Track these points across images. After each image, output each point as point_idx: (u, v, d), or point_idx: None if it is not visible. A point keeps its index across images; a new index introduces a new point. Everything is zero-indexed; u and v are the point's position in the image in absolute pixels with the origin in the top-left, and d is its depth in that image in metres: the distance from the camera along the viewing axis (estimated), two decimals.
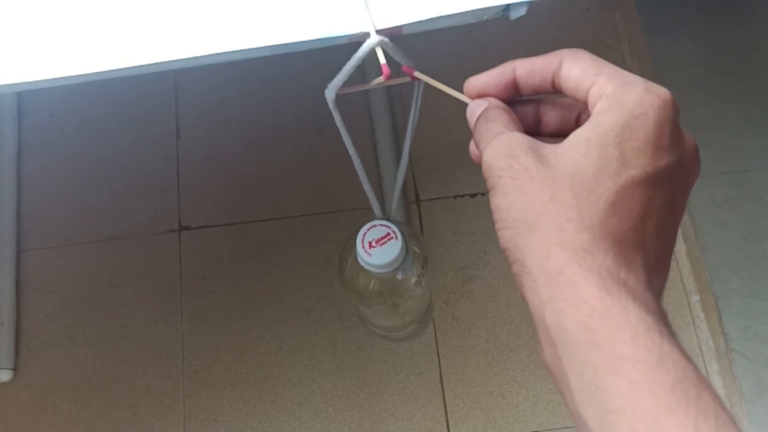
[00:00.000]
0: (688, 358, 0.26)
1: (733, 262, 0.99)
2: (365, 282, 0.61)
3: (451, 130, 1.10)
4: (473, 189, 1.07)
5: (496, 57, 1.25)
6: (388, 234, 0.54)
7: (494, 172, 0.31)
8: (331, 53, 0.43)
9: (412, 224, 1.05)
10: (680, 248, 1.03)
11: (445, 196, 1.07)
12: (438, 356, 0.98)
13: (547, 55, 0.33)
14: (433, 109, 1.13)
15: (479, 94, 0.35)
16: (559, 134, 0.33)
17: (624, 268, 0.28)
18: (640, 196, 0.29)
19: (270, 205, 1.07)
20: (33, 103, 1.12)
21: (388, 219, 0.58)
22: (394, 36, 0.37)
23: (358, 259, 0.56)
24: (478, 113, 0.34)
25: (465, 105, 0.36)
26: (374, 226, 0.55)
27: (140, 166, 1.10)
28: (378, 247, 0.54)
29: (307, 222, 1.06)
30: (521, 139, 0.31)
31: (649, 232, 0.29)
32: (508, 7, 0.38)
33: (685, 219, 1.03)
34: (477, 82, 0.35)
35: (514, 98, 0.35)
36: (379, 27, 0.36)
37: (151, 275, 1.04)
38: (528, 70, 0.33)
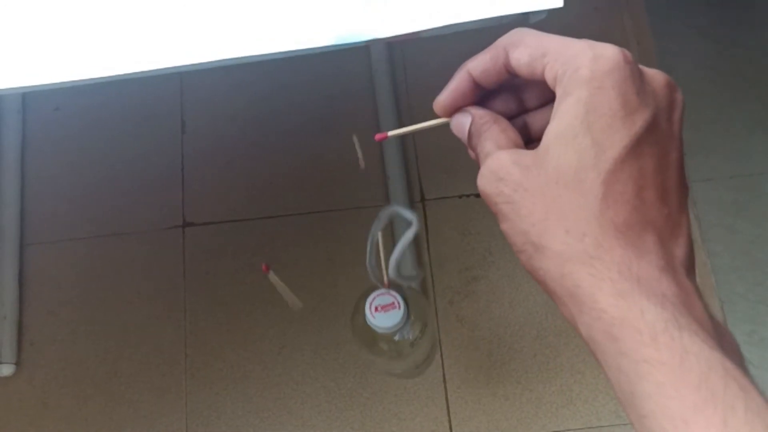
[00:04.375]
0: (713, 346, 0.26)
1: (740, 267, 0.99)
2: (371, 335, 0.68)
3: None
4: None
5: None
6: (393, 303, 0.62)
7: (490, 201, 0.31)
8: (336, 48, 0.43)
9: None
10: None
11: (450, 196, 1.06)
12: (441, 357, 0.98)
13: (491, 49, 0.32)
14: None
15: (453, 109, 0.34)
16: (546, 102, 0.33)
17: (635, 258, 0.27)
18: (628, 174, 0.28)
19: (274, 202, 1.07)
20: (37, 97, 1.12)
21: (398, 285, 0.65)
22: (412, 39, 0.37)
23: (366, 319, 0.64)
24: (466, 129, 0.34)
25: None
26: (383, 293, 0.62)
27: (145, 161, 1.09)
28: (383, 313, 0.62)
29: (311, 219, 1.06)
30: (504, 158, 0.30)
31: (651, 203, 0.28)
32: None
33: (692, 222, 1.02)
34: (444, 99, 0.34)
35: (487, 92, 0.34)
36: (400, 32, 0.36)
37: (155, 271, 1.04)
38: (481, 70, 0.33)
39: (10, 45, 0.40)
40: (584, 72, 0.28)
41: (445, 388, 0.97)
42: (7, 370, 0.98)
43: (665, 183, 0.29)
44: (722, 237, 1.00)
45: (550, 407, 0.96)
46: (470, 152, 0.34)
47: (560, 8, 0.42)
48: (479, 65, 0.33)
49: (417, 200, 1.06)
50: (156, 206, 1.07)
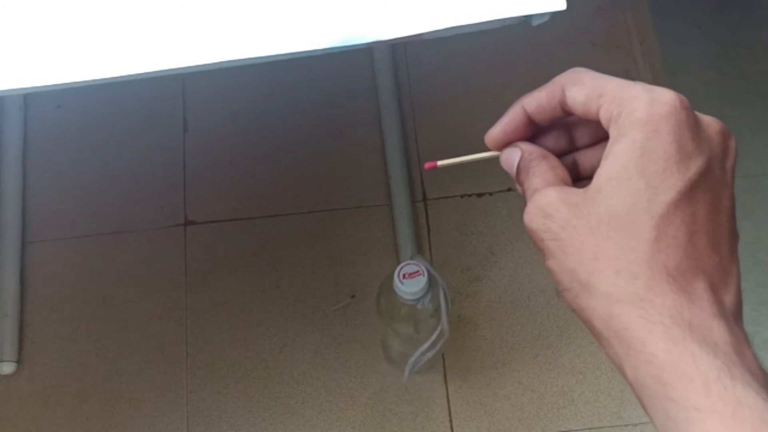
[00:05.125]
0: (766, 398, 0.26)
1: (743, 268, 0.98)
2: (397, 309, 0.77)
3: (459, 130, 1.10)
4: (481, 188, 1.06)
5: (505, 54, 1.23)
6: (418, 271, 0.71)
7: (536, 236, 0.31)
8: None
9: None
10: None
11: (452, 195, 1.06)
12: (443, 356, 0.98)
13: (548, 86, 0.32)
14: (441, 108, 1.12)
15: (504, 143, 0.35)
16: (598, 141, 0.33)
17: (686, 304, 0.27)
18: (681, 219, 0.28)
19: (276, 201, 1.06)
20: (39, 94, 1.12)
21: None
22: (414, 40, 0.37)
23: (394, 286, 0.72)
24: (515, 164, 0.34)
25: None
26: (409, 263, 0.72)
27: (146, 160, 1.09)
28: (410, 279, 0.71)
29: (313, 219, 1.06)
30: (552, 195, 0.31)
31: (703, 249, 0.28)
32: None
33: None
34: (496, 133, 0.35)
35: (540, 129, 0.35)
36: (402, 34, 0.35)
37: (156, 270, 1.04)
38: (536, 106, 0.33)
39: (12, 46, 0.40)
40: (640, 115, 0.28)
41: (446, 388, 0.97)
42: (8, 368, 0.98)
43: (717, 230, 0.29)
44: None
45: (552, 408, 0.96)
46: (517, 187, 0.34)
47: (563, 8, 0.42)
48: (534, 101, 0.33)
49: (419, 200, 1.06)
50: (157, 205, 1.07)
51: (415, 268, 0.72)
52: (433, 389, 0.97)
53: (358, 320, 1.00)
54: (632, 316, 0.27)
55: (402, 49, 1.13)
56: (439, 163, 0.36)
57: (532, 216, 0.31)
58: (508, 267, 1.02)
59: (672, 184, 0.28)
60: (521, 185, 0.34)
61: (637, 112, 0.29)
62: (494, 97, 1.11)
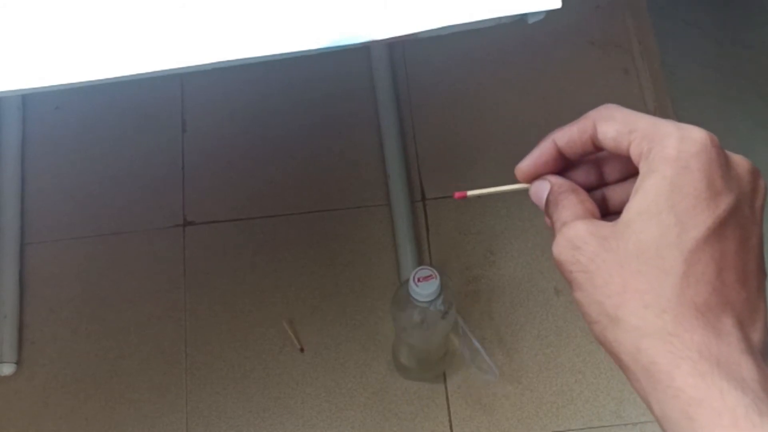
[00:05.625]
0: None
1: None
2: (410, 313, 0.85)
3: (458, 130, 1.10)
4: (480, 188, 1.06)
5: (504, 54, 1.23)
6: (431, 275, 0.80)
7: (564, 268, 0.31)
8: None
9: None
10: None
11: (451, 195, 1.06)
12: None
13: (580, 121, 0.33)
14: (440, 107, 1.12)
15: (534, 176, 0.35)
16: (627, 176, 0.34)
17: (714, 339, 0.28)
18: (710, 255, 0.28)
19: (275, 202, 1.06)
20: (38, 95, 1.12)
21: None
22: (409, 39, 0.37)
23: (409, 289, 0.80)
24: (544, 197, 0.34)
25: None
26: (423, 268, 0.81)
27: (145, 160, 1.09)
28: (424, 282, 0.80)
29: (312, 219, 1.06)
30: (581, 228, 0.31)
31: (731, 285, 0.29)
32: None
33: None
34: (526, 166, 0.35)
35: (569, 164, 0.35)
36: (398, 34, 0.35)
37: (155, 270, 1.04)
38: (567, 140, 0.34)
39: (11, 46, 0.40)
40: (671, 151, 0.29)
41: (446, 387, 0.97)
42: (8, 369, 0.98)
43: (745, 267, 0.29)
44: None
45: (551, 407, 0.96)
46: (546, 220, 0.34)
47: (563, 7, 0.42)
48: (565, 135, 0.33)
49: (417, 199, 1.06)
50: (156, 205, 1.07)
51: (429, 273, 0.80)
52: (432, 389, 0.97)
53: (357, 320, 1.00)
54: (660, 351, 0.28)
55: (400, 49, 1.13)
56: (469, 193, 0.37)
57: (560, 248, 0.31)
58: (507, 267, 1.02)
59: (702, 220, 0.28)
60: (550, 218, 0.34)
61: (667, 149, 0.29)
62: (493, 97, 1.11)
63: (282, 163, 1.08)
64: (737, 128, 1.06)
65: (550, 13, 0.44)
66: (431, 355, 0.94)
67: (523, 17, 0.39)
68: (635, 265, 0.29)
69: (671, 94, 1.08)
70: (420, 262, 1.01)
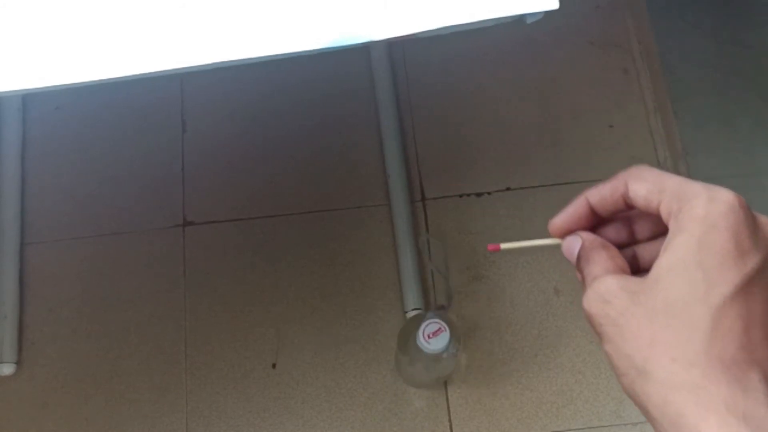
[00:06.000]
0: None
1: None
2: (420, 362, 0.86)
3: (458, 130, 1.10)
4: (479, 188, 1.06)
5: (503, 54, 1.23)
6: (440, 328, 0.80)
7: (594, 321, 0.32)
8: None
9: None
10: None
11: (451, 195, 1.06)
12: None
13: (612, 181, 0.34)
14: (441, 108, 1.12)
15: (566, 232, 0.36)
16: (657, 235, 0.35)
17: (741, 394, 0.28)
18: (736, 311, 0.29)
19: (274, 202, 1.06)
20: (38, 96, 1.12)
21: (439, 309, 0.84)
22: (408, 39, 0.37)
23: (419, 344, 0.80)
24: (575, 252, 0.36)
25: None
26: (430, 323, 0.80)
27: (145, 160, 1.09)
28: (434, 338, 0.79)
29: (312, 219, 1.06)
30: (612, 282, 0.32)
31: (758, 342, 0.29)
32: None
33: None
34: (560, 222, 0.36)
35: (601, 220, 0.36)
36: (397, 34, 0.36)
37: (155, 270, 1.04)
38: (599, 198, 0.35)
39: (11, 47, 0.40)
40: (700, 211, 0.30)
41: (446, 387, 0.97)
42: (8, 369, 0.98)
43: None
44: None
45: (551, 407, 0.96)
46: (577, 274, 0.35)
47: (563, 7, 0.42)
48: (597, 194, 0.35)
49: (417, 199, 1.06)
50: (156, 206, 1.07)
51: (437, 326, 0.80)
52: (432, 389, 0.97)
53: (357, 320, 1.00)
54: (688, 403, 0.28)
55: (400, 49, 1.13)
56: (503, 246, 0.38)
57: (591, 302, 0.32)
58: (507, 267, 1.02)
59: (729, 277, 0.29)
60: (581, 272, 0.35)
61: (696, 208, 0.30)
62: (493, 97, 1.11)
63: (282, 163, 1.08)
64: (737, 128, 1.06)
65: (549, 14, 0.44)
66: (439, 379, 0.96)
67: (521, 17, 0.39)
68: (664, 320, 0.29)
69: (671, 94, 1.08)
70: (420, 261, 1.01)
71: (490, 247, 0.38)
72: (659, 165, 1.07)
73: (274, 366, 0.98)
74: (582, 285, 0.34)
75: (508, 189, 1.05)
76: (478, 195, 1.06)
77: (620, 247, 0.35)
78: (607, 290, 0.32)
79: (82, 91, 1.12)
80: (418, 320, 0.84)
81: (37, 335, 1.01)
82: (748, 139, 1.06)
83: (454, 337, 0.81)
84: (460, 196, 1.06)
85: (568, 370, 0.97)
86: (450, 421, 0.96)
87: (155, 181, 1.08)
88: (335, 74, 1.12)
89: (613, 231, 0.36)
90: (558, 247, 0.36)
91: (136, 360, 1.00)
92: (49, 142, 1.11)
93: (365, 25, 0.39)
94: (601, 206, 0.35)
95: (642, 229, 0.36)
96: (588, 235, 0.36)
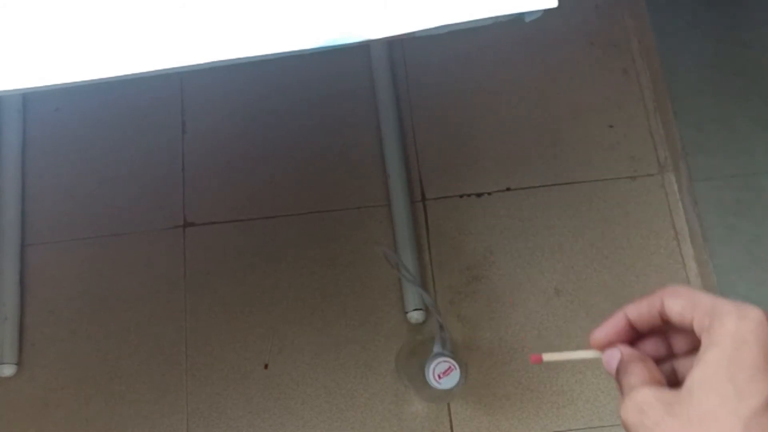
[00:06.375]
0: None
1: (742, 266, 0.98)
2: (426, 388, 0.83)
3: (458, 130, 1.10)
4: (479, 188, 1.06)
5: (503, 54, 1.23)
6: (450, 367, 0.79)
7: (631, 430, 0.34)
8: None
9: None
10: (687, 252, 1.02)
11: (451, 195, 1.06)
12: None
13: (650, 297, 0.37)
14: (441, 108, 1.12)
15: (606, 345, 0.38)
16: (694, 350, 0.36)
17: None
18: (766, 423, 0.30)
19: (274, 202, 1.06)
20: (38, 97, 1.12)
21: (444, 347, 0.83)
22: (407, 38, 0.37)
23: (429, 382, 0.79)
24: (614, 365, 0.37)
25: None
26: (439, 362, 0.79)
27: (145, 161, 1.09)
28: (445, 377, 0.79)
29: (312, 219, 1.06)
30: (648, 393, 0.34)
31: None
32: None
33: (693, 222, 1.02)
34: (600, 335, 0.38)
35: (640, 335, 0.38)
36: (396, 32, 0.36)
37: (155, 271, 1.04)
38: (637, 314, 0.37)
39: (10, 46, 0.40)
40: (730, 327, 0.32)
41: None
42: (9, 370, 0.98)
43: None
44: (724, 236, 1.00)
45: (552, 407, 0.96)
46: (616, 385, 0.37)
47: (562, 7, 0.42)
48: (635, 310, 0.37)
49: (417, 200, 1.06)
50: (156, 206, 1.07)
51: (447, 365, 0.79)
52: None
53: (357, 320, 1.00)
54: None
55: (400, 49, 1.13)
56: (545, 358, 0.40)
57: (628, 411, 0.34)
58: (507, 266, 1.02)
59: (758, 390, 0.31)
60: (619, 383, 0.37)
61: (727, 324, 0.32)
62: (492, 97, 1.11)
63: (282, 163, 1.08)
64: (736, 128, 1.06)
65: (549, 13, 0.44)
66: (443, 402, 0.97)
67: (520, 16, 0.39)
68: (697, 431, 0.31)
69: (671, 94, 1.08)
70: (420, 262, 1.01)
71: (533, 358, 0.40)
72: (659, 165, 1.07)
73: (266, 367, 0.98)
74: (620, 396, 0.36)
75: (508, 189, 1.05)
76: (478, 195, 1.06)
77: (659, 360, 0.38)
78: (643, 400, 0.33)
79: (82, 93, 1.13)
80: (420, 349, 0.83)
81: (37, 336, 1.01)
82: (748, 139, 1.06)
83: (464, 372, 0.82)
84: (460, 196, 1.06)
85: (568, 371, 0.97)
86: (450, 421, 0.96)
87: (155, 182, 1.08)
88: (335, 74, 1.12)
89: (652, 345, 0.38)
90: (598, 357, 0.38)
91: (136, 361, 1.00)
92: (50, 143, 1.11)
93: (364, 23, 0.39)
94: (639, 321, 0.37)
95: (679, 343, 0.38)
96: (626, 348, 0.38)
